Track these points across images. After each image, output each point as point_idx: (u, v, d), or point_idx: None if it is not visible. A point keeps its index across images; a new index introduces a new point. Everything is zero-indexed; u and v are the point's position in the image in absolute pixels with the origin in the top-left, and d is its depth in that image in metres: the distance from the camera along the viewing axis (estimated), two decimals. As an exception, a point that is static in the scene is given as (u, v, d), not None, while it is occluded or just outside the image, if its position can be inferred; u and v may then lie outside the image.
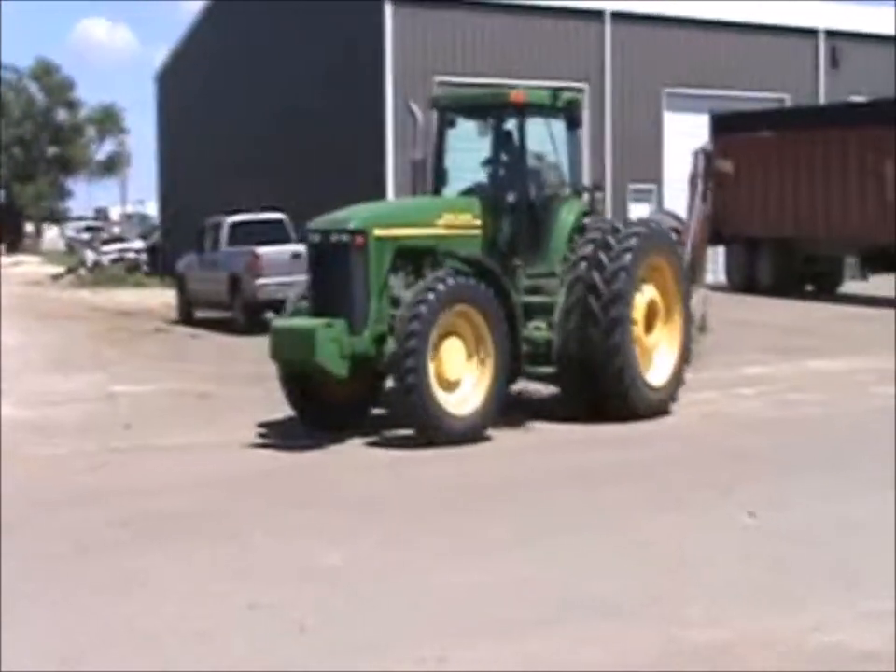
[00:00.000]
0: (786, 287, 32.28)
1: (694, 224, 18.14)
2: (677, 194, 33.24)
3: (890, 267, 33.43)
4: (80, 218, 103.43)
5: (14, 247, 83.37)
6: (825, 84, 41.82)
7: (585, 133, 15.99)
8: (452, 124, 15.83)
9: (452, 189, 15.74)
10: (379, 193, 32.31)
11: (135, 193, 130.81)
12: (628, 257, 14.75)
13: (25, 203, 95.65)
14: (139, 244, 58.14)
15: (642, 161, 38.71)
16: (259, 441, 14.15)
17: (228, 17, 44.97)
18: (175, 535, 9.98)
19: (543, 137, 15.46)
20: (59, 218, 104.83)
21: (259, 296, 26.18)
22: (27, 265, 64.16)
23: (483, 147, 15.64)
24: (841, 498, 10.80)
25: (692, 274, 16.43)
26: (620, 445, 13.68)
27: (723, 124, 33.78)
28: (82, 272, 51.81)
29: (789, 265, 32.92)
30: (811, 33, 41.91)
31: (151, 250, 53.21)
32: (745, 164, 30.85)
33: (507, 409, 14.39)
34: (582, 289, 14.65)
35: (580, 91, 29.21)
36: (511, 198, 15.23)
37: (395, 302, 13.83)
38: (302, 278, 24.20)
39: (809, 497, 10.90)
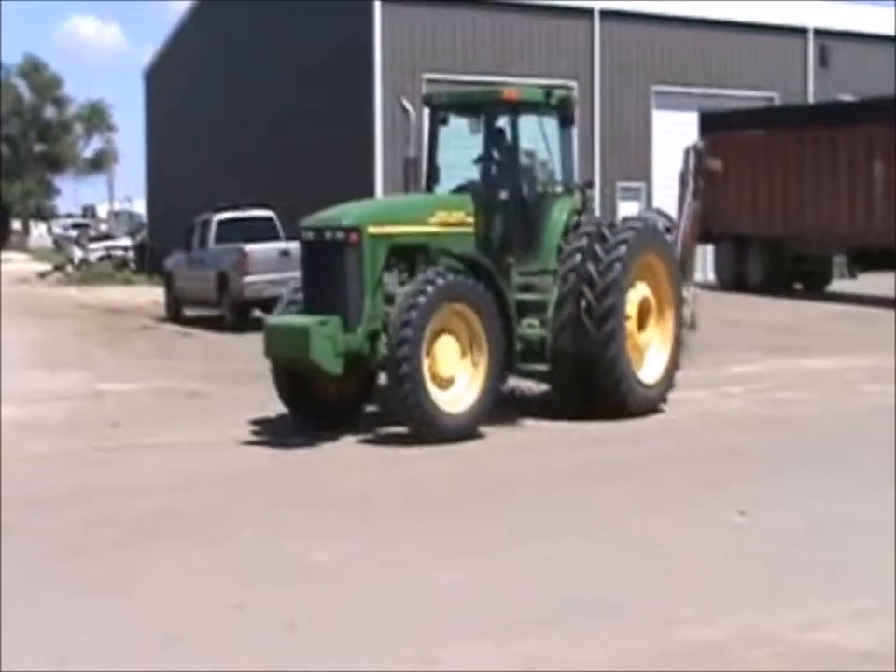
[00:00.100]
0: (775, 285, 32.30)
1: (685, 222, 18.06)
2: (666, 192, 33.28)
3: (878, 266, 33.50)
4: (68, 216, 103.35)
5: (1, 245, 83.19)
6: (814, 83, 41.85)
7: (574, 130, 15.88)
8: (445, 122, 15.81)
9: (443, 186, 15.71)
10: (368, 191, 32.24)
11: (123, 191, 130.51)
12: (623, 248, 14.78)
13: (13, 200, 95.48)
14: (127, 241, 58.07)
15: (631, 159, 38.71)
16: (250, 438, 14.08)
17: (216, 14, 44.88)
18: (161, 534, 9.90)
19: (535, 135, 15.43)
20: (46, 216, 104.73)
21: (247, 294, 26.14)
22: (15, 262, 64.03)
23: (475, 145, 15.60)
24: (833, 497, 10.78)
25: (681, 272, 16.43)
26: (612, 443, 13.65)
27: (712, 122, 33.79)
28: (70, 269, 51.74)
29: (777, 263, 32.94)
30: (800, 31, 41.94)
31: (139, 247, 53.13)
32: (734, 163, 30.78)
33: (500, 406, 14.36)
34: (576, 279, 14.66)
35: (569, 88, 29.20)
36: (503, 195, 15.21)
37: (388, 300, 13.80)
38: (291, 276, 24.41)
39: (801, 495, 10.88)
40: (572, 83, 35.48)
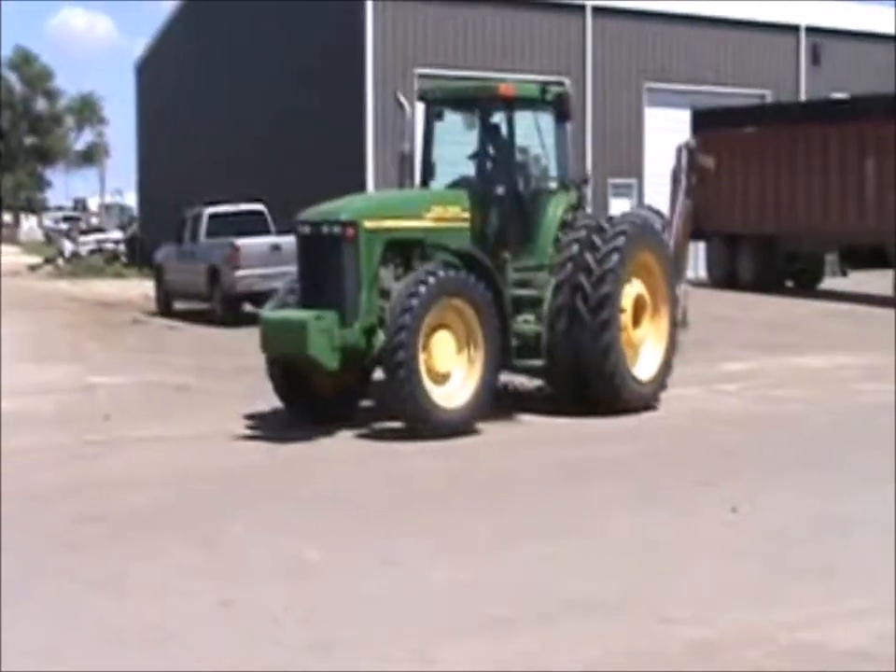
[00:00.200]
0: (766, 283, 32.29)
1: (677, 220, 18.05)
2: (657, 189, 33.28)
3: (870, 264, 33.56)
4: (59, 208, 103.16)
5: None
6: (806, 80, 41.86)
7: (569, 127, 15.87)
8: (440, 117, 15.79)
9: (438, 182, 15.69)
10: (359, 185, 32.22)
11: (114, 184, 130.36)
12: (622, 239, 14.79)
13: (3, 192, 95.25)
14: (117, 234, 57.95)
15: (623, 156, 38.70)
16: (243, 433, 14.05)
17: (208, 8, 44.77)
18: (152, 529, 9.86)
19: (530, 131, 15.41)
20: (37, 208, 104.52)
21: (238, 288, 26.09)
22: (5, 255, 63.84)
23: (469, 141, 15.58)
24: (828, 496, 10.75)
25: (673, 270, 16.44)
26: (607, 440, 13.64)
27: (704, 120, 33.76)
28: (60, 262, 51.64)
29: (769, 261, 32.94)
30: (793, 29, 41.96)
31: (130, 241, 53.02)
32: (726, 160, 30.79)
33: (496, 401, 14.36)
34: (573, 268, 14.67)
35: (561, 84, 29.16)
36: (499, 191, 15.19)
37: (384, 295, 13.80)
38: (282, 270, 24.45)
39: (795, 494, 10.86)
40: (564, 79, 35.39)
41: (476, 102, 15.68)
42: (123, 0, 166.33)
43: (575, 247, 14.82)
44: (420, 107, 16.64)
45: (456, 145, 15.78)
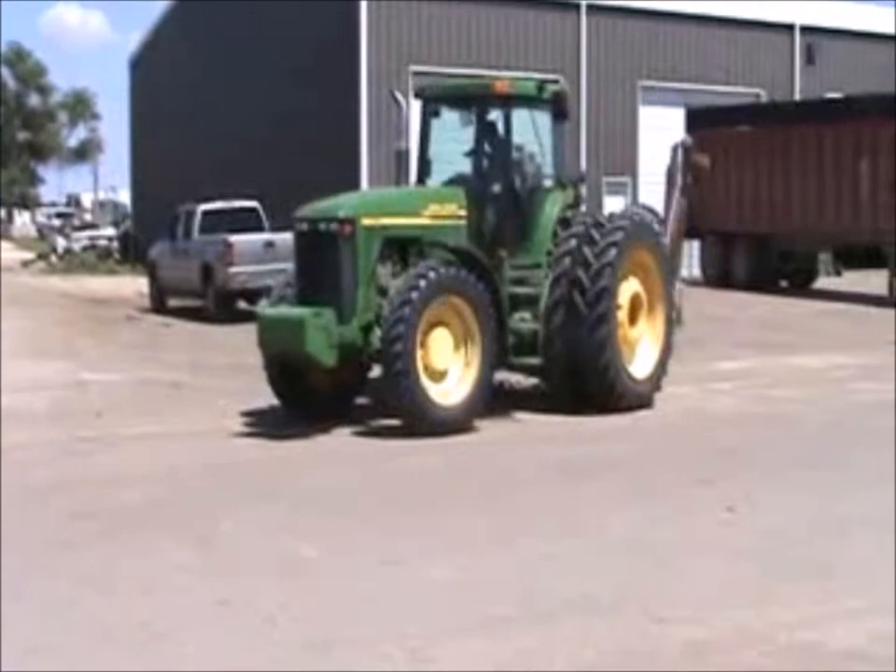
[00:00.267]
0: (761, 282, 32.27)
1: (672, 219, 18.03)
2: (651, 188, 33.27)
3: (864, 264, 33.57)
4: (52, 204, 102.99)
5: None
6: (801, 80, 41.86)
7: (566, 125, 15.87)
8: (436, 114, 15.78)
9: (434, 179, 15.67)
10: (353, 182, 32.18)
11: (108, 180, 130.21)
12: (613, 252, 14.75)
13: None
14: (111, 231, 57.86)
15: (617, 155, 38.67)
16: (239, 430, 14.03)
17: (202, 4, 44.68)
18: (144, 527, 9.81)
19: (526, 128, 15.39)
20: (30, 204, 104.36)
21: (232, 284, 26.06)
22: (-3, 251, 63.83)
23: (466, 138, 15.56)
24: (824, 495, 10.73)
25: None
26: (603, 439, 13.64)
27: (699, 119, 33.74)
28: (53, 258, 51.54)
29: (764, 260, 32.91)
30: (787, 28, 41.95)
31: (123, 237, 52.93)
32: (720, 159, 30.78)
33: (493, 399, 14.37)
34: (567, 286, 14.65)
35: (556, 82, 29.11)
36: (495, 189, 15.21)
37: (382, 292, 13.79)
38: (275, 267, 24.45)
39: (791, 493, 10.83)
40: (558, 77, 35.32)
41: (473, 99, 15.68)
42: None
43: (573, 241, 14.82)
44: (414, 105, 16.58)
45: (453, 142, 15.76)
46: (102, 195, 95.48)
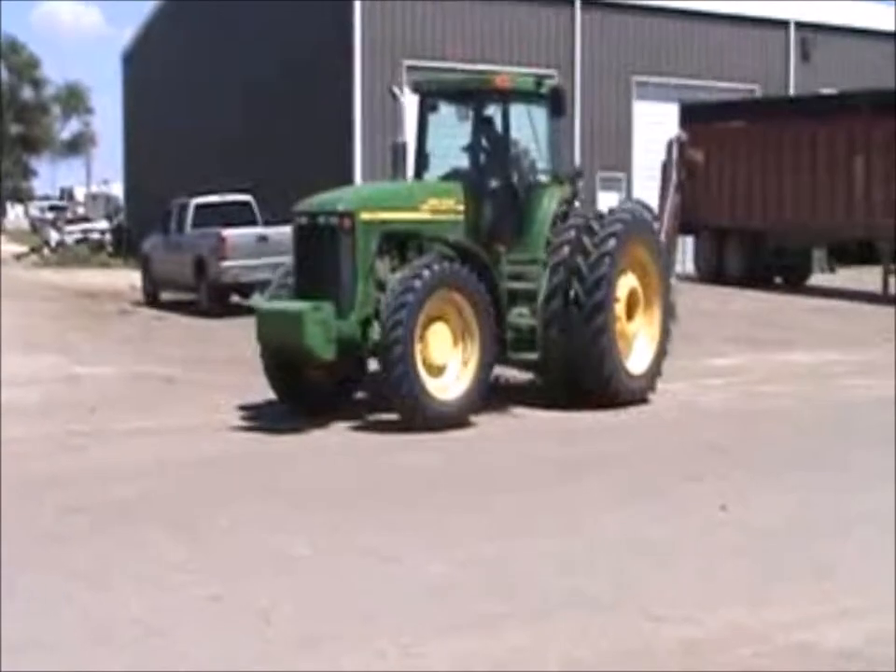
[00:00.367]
0: (754, 278, 32.24)
1: (668, 214, 18.02)
2: (645, 183, 33.22)
3: (858, 260, 33.56)
4: (45, 198, 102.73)
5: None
6: (795, 76, 41.83)
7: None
8: (434, 109, 15.80)
9: (430, 174, 15.68)
10: (347, 177, 32.12)
11: (101, 173, 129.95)
12: (612, 242, 14.78)
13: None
14: (104, 224, 57.70)
15: (611, 150, 38.63)
16: (231, 424, 14.01)
17: (196, -3, 44.61)
18: (137, 522, 9.77)
19: (523, 124, 15.39)
20: (23, 197, 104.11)
21: (225, 278, 25.96)
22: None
23: (462, 133, 15.56)
24: (819, 492, 10.71)
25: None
26: (598, 435, 13.64)
27: (693, 114, 33.69)
28: (46, 252, 51.40)
29: (757, 256, 32.88)
30: (782, 24, 41.92)
31: (116, 231, 52.82)
32: (714, 154, 30.76)
33: (491, 394, 14.38)
34: (565, 273, 14.68)
35: (550, 77, 29.07)
36: (493, 184, 15.21)
37: (380, 286, 13.80)
38: (268, 261, 24.41)
39: (786, 491, 10.80)
40: (553, 72, 35.31)
41: (471, 93, 15.69)
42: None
43: (566, 250, 14.83)
44: (410, 99, 16.57)
45: (450, 137, 15.76)
46: (94, 188, 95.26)
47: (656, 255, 15.78)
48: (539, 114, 15.55)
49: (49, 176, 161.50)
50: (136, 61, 51.91)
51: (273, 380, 14.52)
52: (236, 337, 21.15)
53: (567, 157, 35.69)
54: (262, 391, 14.80)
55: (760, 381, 17.24)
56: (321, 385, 14.54)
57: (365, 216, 13.95)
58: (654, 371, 15.64)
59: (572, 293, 14.58)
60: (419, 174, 15.75)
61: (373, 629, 7.23)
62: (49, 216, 77.42)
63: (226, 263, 25.84)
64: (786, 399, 15.82)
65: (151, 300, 29.29)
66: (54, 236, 55.57)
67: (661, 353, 15.74)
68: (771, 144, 31.93)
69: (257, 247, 25.59)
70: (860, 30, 42.90)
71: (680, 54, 39.80)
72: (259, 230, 26.65)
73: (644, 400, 15.33)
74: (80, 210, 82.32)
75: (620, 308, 15.09)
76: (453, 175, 15.44)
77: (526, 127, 15.45)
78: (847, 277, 33.35)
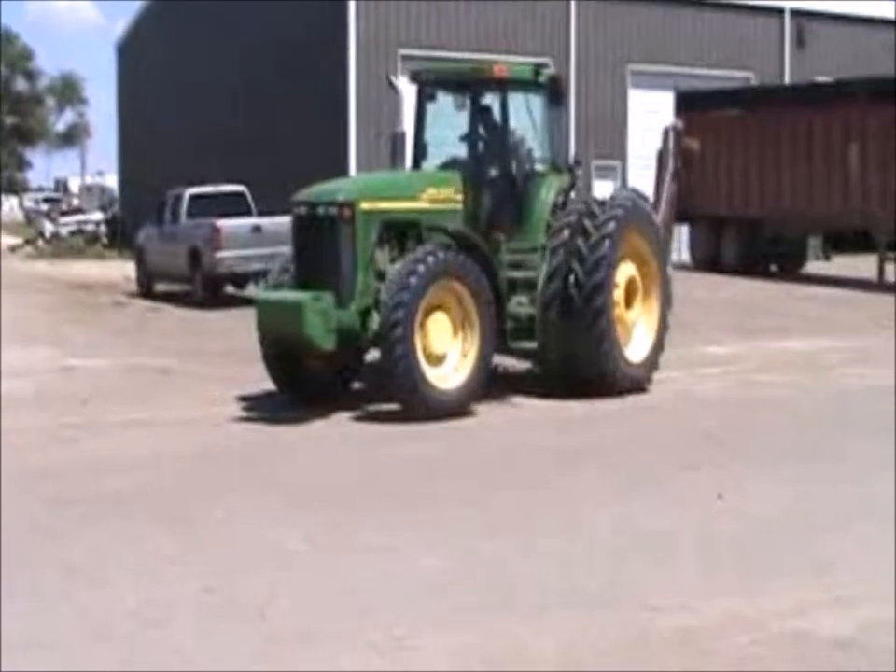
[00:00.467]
0: (750, 266, 32.21)
1: (664, 203, 17.99)
2: (641, 172, 33.16)
3: (854, 248, 33.52)
4: (40, 189, 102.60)
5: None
6: (791, 63, 41.74)
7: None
8: (432, 98, 15.80)
9: (429, 163, 15.68)
10: (342, 166, 32.04)
11: (95, 164, 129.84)
12: (613, 224, 14.83)
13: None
14: (98, 215, 57.58)
15: (607, 138, 38.53)
16: (227, 415, 13.95)
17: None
18: (129, 514, 9.73)
19: (521, 113, 15.38)
20: (18, 189, 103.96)
21: (219, 269, 25.92)
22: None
23: (460, 122, 15.55)
24: (815, 481, 10.68)
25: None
26: (596, 424, 13.63)
27: (688, 102, 33.63)
28: (40, 243, 51.30)
29: (753, 244, 32.83)
30: (777, 11, 41.81)
31: (110, 222, 52.72)
32: (710, 143, 30.73)
33: (491, 383, 14.37)
34: (566, 254, 14.70)
35: (545, 66, 29.01)
36: (491, 172, 15.23)
37: (380, 276, 13.81)
38: (263, 252, 24.40)
39: (782, 480, 10.77)
40: (548, 60, 35.20)
41: (469, 83, 15.70)
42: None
43: (566, 232, 14.84)
44: (405, 88, 16.55)
45: (448, 126, 15.76)
46: (89, 180, 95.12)
47: (655, 245, 15.79)
48: (538, 103, 15.55)
49: (44, 168, 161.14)
50: (131, 51, 51.78)
51: (272, 370, 14.52)
52: (231, 328, 21.15)
53: (563, 146, 35.78)
54: (259, 382, 14.79)
55: (756, 369, 17.20)
56: (320, 376, 14.55)
57: (365, 205, 13.95)
58: (653, 360, 15.63)
59: (572, 278, 14.57)
60: (417, 163, 15.75)
61: (367, 621, 7.19)
62: (44, 207, 77.27)
63: (220, 254, 25.80)
64: (782, 389, 15.80)
65: (145, 291, 29.25)
66: (49, 228, 55.44)
67: (659, 342, 15.73)
68: (767, 132, 31.87)
69: (251, 238, 25.56)
70: (855, 17, 42.80)
71: (675, 42, 39.68)
72: (253, 220, 26.60)
73: (642, 389, 15.30)
74: (75, 201, 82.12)
75: (619, 294, 15.08)
76: (451, 165, 15.45)
77: (524, 116, 15.43)
78: (843, 265, 33.29)
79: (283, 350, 14.24)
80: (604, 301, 14.62)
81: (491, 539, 8.93)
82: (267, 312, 13.99)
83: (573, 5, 38.15)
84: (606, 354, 14.69)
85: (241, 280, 26.57)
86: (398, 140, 16.39)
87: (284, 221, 24.94)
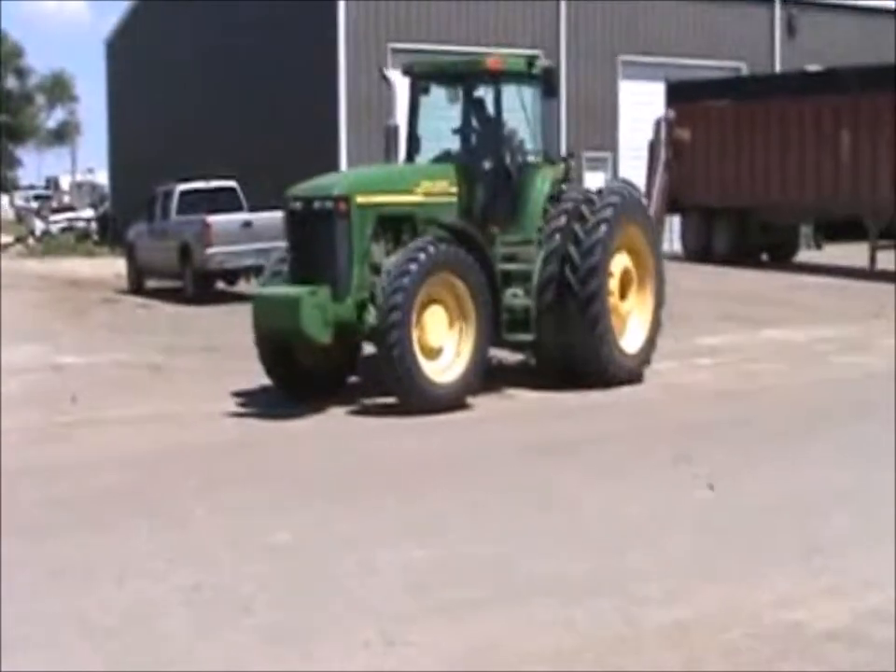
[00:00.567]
0: (741, 256, 32.18)
1: (656, 193, 17.98)
2: (632, 163, 33.12)
3: (846, 236, 33.51)
4: (31, 187, 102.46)
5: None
6: (781, 52, 41.69)
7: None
8: (426, 91, 15.76)
9: (422, 156, 15.69)
10: (332, 161, 31.96)
11: (86, 162, 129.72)
12: (610, 210, 14.83)
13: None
14: (89, 212, 57.49)
15: (597, 130, 38.46)
16: (217, 411, 13.90)
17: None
18: (116, 512, 9.66)
19: (515, 105, 15.34)
20: (8, 187, 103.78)
21: (210, 265, 25.83)
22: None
23: (453, 115, 15.52)
24: (806, 471, 10.65)
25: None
26: (590, 415, 13.68)
27: (679, 92, 33.60)
28: (31, 241, 51.20)
29: (744, 234, 32.81)
30: (767, 1, 41.74)
31: (101, 219, 52.61)
32: (701, 133, 30.72)
33: (487, 375, 14.37)
34: (562, 238, 14.70)
35: (538, 58, 28.89)
36: (485, 165, 15.20)
37: (375, 270, 13.81)
38: (254, 247, 24.36)
39: (773, 469, 10.74)
40: (538, 52, 35.09)
41: (463, 75, 15.69)
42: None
43: (563, 218, 14.87)
44: (396, 81, 16.49)
45: (441, 119, 15.73)
46: (80, 177, 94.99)
47: (649, 236, 15.82)
48: (531, 94, 15.56)
49: (35, 166, 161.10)
50: (120, 46, 51.62)
51: (267, 365, 14.52)
52: (222, 324, 21.09)
53: (556, 138, 35.71)
54: (254, 377, 14.75)
55: (749, 359, 17.19)
56: (316, 370, 14.54)
57: (360, 199, 13.97)
58: (647, 351, 15.63)
59: (568, 258, 14.54)
60: (411, 156, 15.76)
61: (352, 615, 7.15)
62: (34, 205, 77.15)
63: (211, 250, 25.70)
64: (775, 377, 15.79)
65: (136, 288, 29.14)
66: (39, 225, 55.33)
67: (654, 333, 15.72)
68: (758, 121, 31.84)
69: (242, 233, 25.47)
70: (845, 6, 42.75)
71: (666, 33, 39.61)
72: (244, 216, 26.52)
73: (637, 380, 15.28)
74: (66, 199, 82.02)
75: (614, 284, 15.07)
76: (444, 158, 15.45)
77: (518, 108, 15.39)
78: (835, 254, 33.27)
79: (279, 345, 14.23)
80: (599, 284, 14.62)
81: (475, 535, 8.87)
82: (263, 307, 13.98)
83: (563, -4, 38.07)
84: (600, 338, 14.68)
85: (232, 276, 26.50)
86: (391, 133, 16.37)
87: (275, 216, 24.99)
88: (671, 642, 6.70)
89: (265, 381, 14.66)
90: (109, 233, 47.01)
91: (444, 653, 6.62)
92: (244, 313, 14.19)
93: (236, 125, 38.97)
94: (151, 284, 29.02)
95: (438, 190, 14.74)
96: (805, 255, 33.74)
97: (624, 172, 33.80)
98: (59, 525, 9.31)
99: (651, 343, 15.68)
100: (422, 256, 13.50)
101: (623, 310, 15.38)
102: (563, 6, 38.05)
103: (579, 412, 13.83)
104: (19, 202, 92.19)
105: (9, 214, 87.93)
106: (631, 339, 15.45)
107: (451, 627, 6.98)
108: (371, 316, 13.52)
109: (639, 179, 18.43)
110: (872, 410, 13.07)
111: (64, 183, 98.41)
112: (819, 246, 35.66)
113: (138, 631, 7.02)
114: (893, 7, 43.02)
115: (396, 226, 14.33)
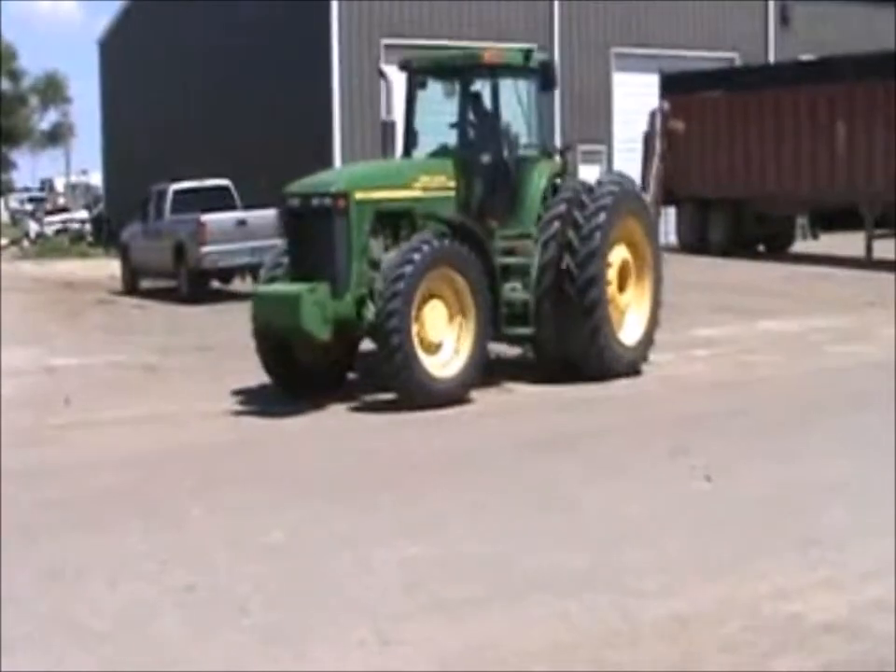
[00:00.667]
0: (737, 247, 32.15)
1: (653, 184, 17.94)
2: (626, 155, 33.07)
3: (842, 226, 33.47)
4: (26, 189, 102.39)
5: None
6: (775, 43, 41.64)
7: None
8: (423, 86, 15.74)
9: (419, 151, 15.64)
10: (326, 158, 31.92)
11: (80, 163, 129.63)
12: (603, 216, 14.78)
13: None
14: (83, 214, 57.48)
15: (592, 122, 38.38)
16: (213, 411, 13.85)
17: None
18: (111, 513, 9.61)
19: (512, 98, 15.32)
20: (2, 190, 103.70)
21: (204, 264, 25.79)
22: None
23: (449, 109, 15.48)
24: (803, 462, 10.60)
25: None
26: (588, 409, 13.64)
27: (673, 84, 33.54)
28: (25, 243, 51.19)
29: (740, 225, 32.77)
30: (761, -10, 41.71)
31: (96, 220, 52.58)
32: (695, 124, 30.66)
33: (486, 370, 14.35)
34: (557, 248, 14.66)
35: (535, 51, 28.81)
36: (483, 159, 15.17)
37: (374, 266, 13.80)
38: (248, 245, 24.36)
39: (770, 461, 10.69)
40: (531, 45, 35.01)
41: (459, 70, 15.65)
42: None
43: (563, 206, 14.84)
44: (391, 76, 16.47)
45: (438, 114, 15.70)
46: (74, 178, 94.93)
47: (647, 226, 15.79)
48: (528, 88, 15.52)
49: (30, 168, 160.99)
50: (113, 47, 51.53)
51: (267, 363, 14.49)
52: (218, 323, 21.05)
53: (552, 131, 35.64)
54: (250, 376, 14.67)
55: (745, 350, 17.16)
56: (315, 368, 14.51)
57: (359, 195, 13.94)
58: (646, 343, 15.61)
59: (565, 269, 14.50)
60: (408, 151, 15.72)
61: (348, 614, 7.10)
62: (29, 207, 77.12)
63: (205, 248, 25.67)
64: (771, 369, 15.74)
65: (130, 288, 29.09)
66: (34, 227, 55.35)
67: (652, 325, 15.70)
68: (752, 112, 31.80)
69: (236, 232, 25.45)
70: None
71: (659, 24, 39.53)
72: (238, 214, 26.49)
73: (636, 372, 15.25)
74: (60, 200, 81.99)
75: (612, 273, 15.04)
76: (441, 152, 15.41)
77: (515, 101, 15.35)
78: (831, 244, 33.23)
79: (278, 343, 14.21)
80: (597, 269, 14.62)
81: (470, 532, 8.83)
82: (263, 305, 13.98)
83: (556, -11, 38.01)
84: (597, 325, 14.65)
85: (226, 274, 26.47)
86: (388, 129, 16.32)
87: (269, 215, 25.02)
88: (668, 636, 6.66)
89: (262, 379, 14.63)
90: (104, 235, 46.97)
91: (440, 652, 6.56)
92: (239, 311, 14.13)
93: (229, 125, 38.91)
94: (146, 284, 28.97)
95: (436, 185, 14.72)
96: (800, 245, 33.69)
97: (619, 164, 33.71)
98: (52, 526, 9.25)
99: (649, 336, 15.65)
100: (421, 251, 13.47)
101: (622, 302, 15.34)
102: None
103: (577, 405, 13.82)
104: (13, 204, 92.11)
105: (4, 217, 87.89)
106: (629, 332, 15.41)
107: (448, 626, 6.93)
108: (371, 312, 13.49)
109: (633, 172, 18.41)
110: (868, 400, 13.05)
111: (59, 185, 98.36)
112: (815, 236, 35.61)
113: (133, 632, 6.97)
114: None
115: (394, 221, 14.31)
